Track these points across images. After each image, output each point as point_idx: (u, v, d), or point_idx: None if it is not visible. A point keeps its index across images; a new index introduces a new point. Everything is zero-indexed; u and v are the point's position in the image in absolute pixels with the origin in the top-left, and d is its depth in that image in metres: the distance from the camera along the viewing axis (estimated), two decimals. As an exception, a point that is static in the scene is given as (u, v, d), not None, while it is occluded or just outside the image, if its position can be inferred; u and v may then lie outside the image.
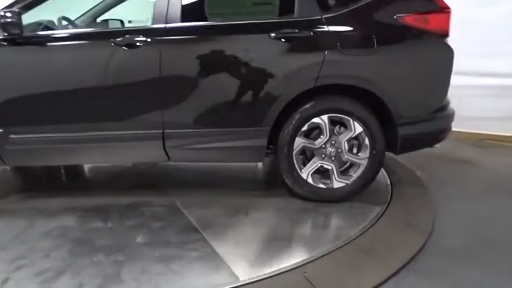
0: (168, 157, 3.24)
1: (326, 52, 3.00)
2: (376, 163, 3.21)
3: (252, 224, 3.00)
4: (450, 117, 3.35)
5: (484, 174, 4.14)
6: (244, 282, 2.36)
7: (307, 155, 3.34)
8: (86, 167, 4.41)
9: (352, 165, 3.31)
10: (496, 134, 5.25)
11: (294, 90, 3.07)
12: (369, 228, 2.92)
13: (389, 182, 3.78)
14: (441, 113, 3.27)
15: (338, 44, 3.01)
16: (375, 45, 3.00)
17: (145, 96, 3.09)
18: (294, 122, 3.14)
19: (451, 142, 4.13)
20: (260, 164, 4.28)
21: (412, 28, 3.05)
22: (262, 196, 3.44)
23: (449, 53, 3.14)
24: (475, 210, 3.34)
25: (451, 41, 3.19)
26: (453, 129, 3.43)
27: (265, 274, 2.42)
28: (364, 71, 3.06)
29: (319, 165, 3.24)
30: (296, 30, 3.02)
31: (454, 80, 3.20)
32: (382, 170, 4.00)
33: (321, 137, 3.19)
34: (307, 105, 3.13)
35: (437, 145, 3.45)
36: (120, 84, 3.08)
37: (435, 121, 3.26)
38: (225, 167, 4.17)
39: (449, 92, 3.30)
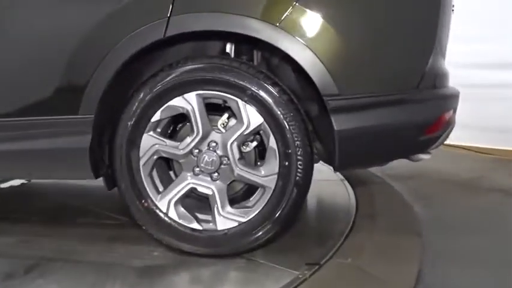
0: None
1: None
2: (292, 185, 1.69)
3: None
4: (446, 99, 1.79)
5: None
6: None
7: (174, 168, 1.90)
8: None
9: (251, 188, 1.82)
10: None
11: (128, 47, 1.64)
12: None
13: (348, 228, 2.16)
14: (424, 92, 1.71)
15: None
16: None
17: None
18: (135, 106, 1.72)
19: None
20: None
21: None
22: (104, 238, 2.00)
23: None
24: None
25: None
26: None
27: None
28: (260, 6, 1.61)
29: (190, 186, 1.77)
30: None
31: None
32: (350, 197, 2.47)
33: (190, 134, 1.76)
34: (158, 75, 1.71)
35: (425, 156, 1.87)
36: None
37: (411, 106, 1.71)
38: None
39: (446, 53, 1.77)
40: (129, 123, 1.71)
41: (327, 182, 2.76)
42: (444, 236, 2.18)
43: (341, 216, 2.29)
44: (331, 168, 1.78)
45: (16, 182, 2.89)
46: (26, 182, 2.88)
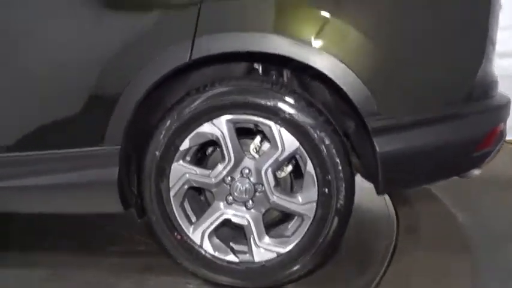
0: None
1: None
2: (332, 214, 1.57)
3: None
4: (497, 111, 1.64)
5: None
6: None
7: (207, 198, 1.80)
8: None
9: (288, 216, 1.71)
10: None
11: (151, 73, 1.54)
12: None
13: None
14: (474, 104, 1.57)
15: None
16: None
17: None
18: (162, 135, 1.62)
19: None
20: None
21: None
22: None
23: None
24: None
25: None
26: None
27: None
28: (289, 22, 1.49)
29: (224, 217, 1.67)
30: None
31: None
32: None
33: (221, 162, 1.66)
34: (185, 100, 1.60)
35: (476, 171, 1.73)
36: None
37: (460, 122, 1.56)
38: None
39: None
40: (156, 153, 1.61)
41: (360, 189, 2.62)
42: (495, 249, 2.02)
43: (381, 231, 2.16)
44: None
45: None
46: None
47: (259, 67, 1.73)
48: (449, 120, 1.52)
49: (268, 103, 1.53)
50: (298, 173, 1.67)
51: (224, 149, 1.59)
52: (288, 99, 1.53)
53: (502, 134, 1.64)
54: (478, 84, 1.54)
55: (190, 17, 1.48)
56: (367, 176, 1.83)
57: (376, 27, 1.47)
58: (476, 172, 1.70)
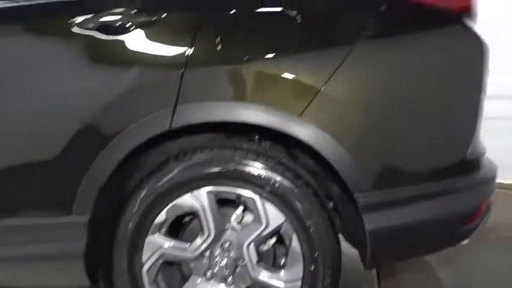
0: None
1: (188, 52, 1.39)
2: (319, 291, 1.48)
3: None
4: (486, 184, 1.60)
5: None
6: None
7: (182, 272, 1.67)
8: None
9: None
10: None
11: (129, 139, 1.43)
12: None
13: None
14: (463, 178, 1.52)
15: (215, 32, 1.42)
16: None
17: None
18: (137, 206, 1.50)
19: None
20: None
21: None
22: None
23: (476, 49, 1.47)
24: None
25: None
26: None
27: None
28: (275, 92, 1.41)
29: (201, 293, 1.55)
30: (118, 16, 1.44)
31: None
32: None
33: (200, 235, 1.53)
34: (163, 169, 1.49)
35: (464, 242, 1.68)
36: None
37: (452, 196, 1.50)
38: None
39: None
40: (129, 225, 1.48)
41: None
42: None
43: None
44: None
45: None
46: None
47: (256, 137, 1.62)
48: (441, 195, 1.47)
49: (253, 175, 1.44)
50: (282, 240, 1.58)
51: (204, 222, 1.48)
52: (274, 171, 1.44)
53: (489, 207, 1.60)
54: (469, 158, 1.50)
55: (172, 84, 1.38)
56: (351, 241, 1.75)
57: (369, 104, 1.41)
58: (464, 242, 1.65)
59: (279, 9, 1.42)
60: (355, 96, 1.42)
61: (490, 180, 1.59)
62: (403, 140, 1.44)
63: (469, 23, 1.51)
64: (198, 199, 1.46)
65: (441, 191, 1.47)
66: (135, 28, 1.41)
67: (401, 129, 1.44)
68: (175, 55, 1.41)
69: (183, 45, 1.40)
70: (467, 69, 1.49)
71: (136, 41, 1.42)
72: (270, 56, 1.40)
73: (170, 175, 1.46)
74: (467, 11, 1.51)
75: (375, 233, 1.42)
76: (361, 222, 1.43)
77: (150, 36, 1.42)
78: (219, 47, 1.42)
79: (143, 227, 1.48)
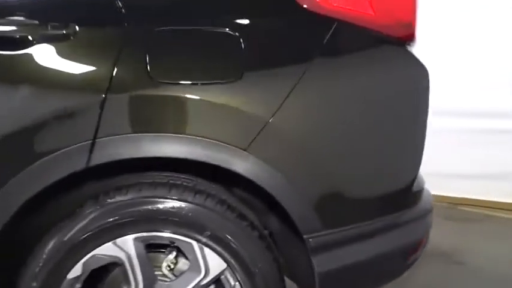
0: None
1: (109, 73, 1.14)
2: None
3: None
4: (425, 216, 1.52)
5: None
6: None
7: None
8: None
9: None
10: (473, 198, 3.58)
11: (37, 176, 1.14)
12: None
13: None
14: (409, 212, 1.45)
15: (143, 51, 1.17)
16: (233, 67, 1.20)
17: None
18: (43, 258, 1.20)
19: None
20: None
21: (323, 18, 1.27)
22: None
23: (422, 77, 1.40)
24: None
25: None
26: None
27: None
28: (216, 124, 1.22)
29: None
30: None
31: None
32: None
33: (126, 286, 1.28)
34: (78, 213, 1.21)
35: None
36: None
37: (399, 230, 1.42)
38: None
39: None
40: (33, 284, 1.19)
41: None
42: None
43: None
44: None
45: None
46: None
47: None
48: (389, 230, 1.38)
49: (190, 217, 1.22)
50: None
51: (130, 273, 1.23)
52: (214, 212, 1.24)
53: (427, 241, 1.57)
54: (413, 193, 1.44)
55: (90, 113, 1.12)
56: (293, 278, 1.62)
57: (319, 140, 1.26)
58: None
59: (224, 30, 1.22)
60: (302, 130, 1.27)
61: (429, 211, 1.55)
62: (354, 177, 1.32)
63: (412, 50, 1.45)
64: (123, 248, 1.21)
65: (390, 225, 1.38)
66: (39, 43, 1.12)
67: (351, 165, 1.32)
68: (94, 77, 1.15)
69: (101, 66, 1.15)
70: (413, 99, 1.42)
71: (41, 58, 1.13)
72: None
73: (87, 221, 1.18)
74: (411, 39, 1.45)
75: (325, 274, 1.30)
76: (310, 263, 1.30)
77: (60, 53, 1.14)
78: (148, 68, 1.18)
79: (52, 284, 1.20)
